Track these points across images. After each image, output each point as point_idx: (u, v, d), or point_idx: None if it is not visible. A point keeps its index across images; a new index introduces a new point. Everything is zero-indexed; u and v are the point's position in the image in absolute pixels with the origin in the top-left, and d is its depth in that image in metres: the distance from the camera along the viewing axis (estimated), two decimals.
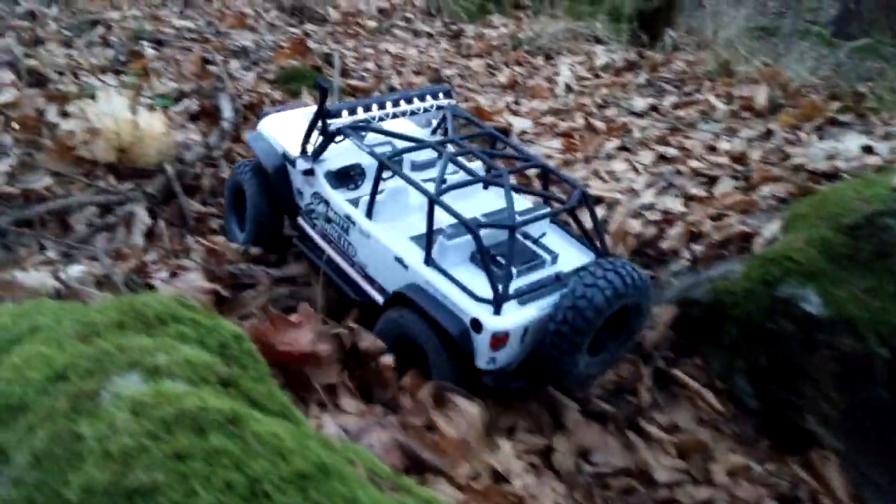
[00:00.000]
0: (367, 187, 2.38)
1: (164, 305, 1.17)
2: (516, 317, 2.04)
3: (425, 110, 2.77)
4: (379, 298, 2.32)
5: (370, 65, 4.95)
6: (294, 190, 2.62)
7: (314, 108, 2.47)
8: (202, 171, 3.16)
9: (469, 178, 2.27)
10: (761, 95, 4.44)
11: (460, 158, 2.35)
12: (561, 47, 5.77)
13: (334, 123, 2.46)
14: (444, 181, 2.16)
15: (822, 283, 2.46)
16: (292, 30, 5.31)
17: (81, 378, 0.93)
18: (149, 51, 4.40)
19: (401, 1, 6.66)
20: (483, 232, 2.08)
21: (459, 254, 2.18)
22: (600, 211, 3.21)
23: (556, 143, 3.93)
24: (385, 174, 2.33)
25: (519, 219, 2.10)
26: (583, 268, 2.11)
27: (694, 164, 3.50)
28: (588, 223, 2.36)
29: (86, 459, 0.82)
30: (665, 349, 2.71)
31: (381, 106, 2.63)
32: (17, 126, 3.22)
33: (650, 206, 3.18)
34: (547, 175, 2.55)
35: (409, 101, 2.72)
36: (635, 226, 3.02)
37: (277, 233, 2.73)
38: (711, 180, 3.33)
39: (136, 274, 2.25)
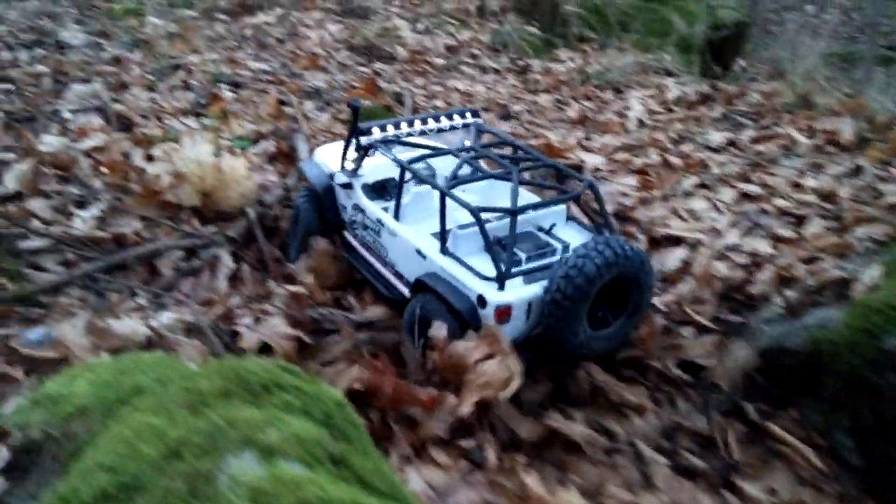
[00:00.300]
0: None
1: (268, 372, 1.16)
2: (519, 292, 2.23)
3: (452, 128, 3.04)
4: (407, 292, 2.55)
5: (439, 102, 4.98)
6: (339, 206, 2.94)
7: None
8: (281, 212, 3.20)
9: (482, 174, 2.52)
10: (846, 129, 4.27)
11: (481, 163, 2.62)
12: (630, 81, 5.70)
13: (366, 139, 2.77)
14: (455, 177, 2.43)
15: None
16: (362, 69, 5.40)
17: (196, 457, 0.92)
18: (227, 93, 4.53)
19: (467, 38, 6.71)
20: (496, 224, 2.38)
21: (472, 243, 2.39)
22: (683, 252, 3.12)
23: (631, 181, 3.85)
24: (410, 180, 2.62)
25: (525, 206, 2.35)
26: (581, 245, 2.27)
27: (779, 202, 3.37)
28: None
29: None
30: (758, 400, 2.59)
31: (410, 124, 2.94)
32: (106, 170, 3.34)
33: (735, 248, 3.07)
34: (560, 175, 2.81)
35: (437, 120, 3.01)
36: (721, 269, 2.91)
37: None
38: (800, 220, 3.19)
39: (222, 321, 2.28)
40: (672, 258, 3.10)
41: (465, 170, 2.51)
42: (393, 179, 2.80)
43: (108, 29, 5.96)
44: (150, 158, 3.44)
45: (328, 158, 3.03)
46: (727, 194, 3.57)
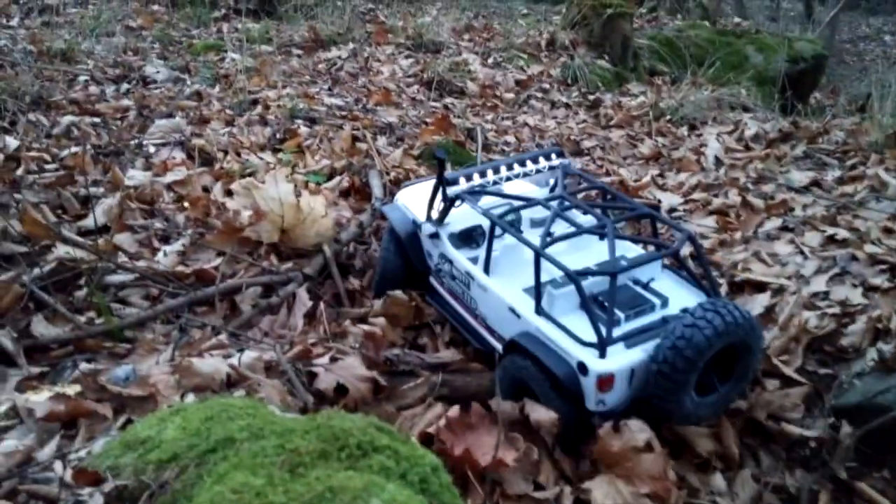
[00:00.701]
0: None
1: (363, 431, 1.15)
2: (621, 359, 2.11)
3: (538, 171, 2.96)
4: (499, 347, 2.50)
5: (510, 138, 4.98)
6: (425, 252, 2.92)
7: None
8: (355, 249, 3.23)
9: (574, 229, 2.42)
10: None
11: (571, 212, 2.55)
12: (705, 116, 5.58)
13: (453, 190, 2.72)
14: (549, 234, 2.32)
15: None
16: (433, 104, 5.45)
17: None
18: (302, 128, 4.63)
19: (537, 72, 6.72)
20: (591, 280, 2.26)
21: (568, 302, 2.30)
22: (766, 299, 3.00)
23: (710, 221, 3.75)
24: (499, 232, 2.55)
25: (625, 265, 2.24)
26: (685, 309, 2.16)
27: (870, 248, 3.21)
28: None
29: None
30: (848, 459, 2.45)
31: (496, 171, 2.88)
32: (188, 205, 3.44)
33: (824, 296, 2.93)
34: (655, 224, 2.62)
35: (523, 164, 2.94)
36: (810, 318, 2.78)
37: (399, 287, 2.92)
38: (893, 268, 3.03)
39: (299, 359, 2.29)
40: (755, 305, 2.98)
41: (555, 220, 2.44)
42: (480, 227, 2.78)
43: (190, 64, 6.20)
44: (229, 193, 3.53)
45: (411, 202, 3.02)
46: (813, 238, 3.43)
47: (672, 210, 3.89)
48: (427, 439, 2.04)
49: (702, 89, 6.19)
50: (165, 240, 3.13)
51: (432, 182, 2.96)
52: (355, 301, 2.95)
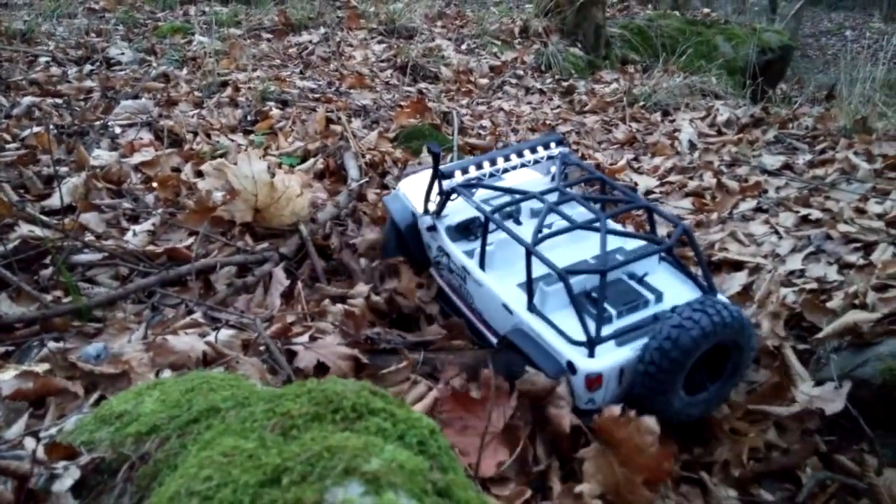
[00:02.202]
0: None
1: (357, 394, 1.10)
2: (610, 358, 2.05)
3: (536, 161, 2.88)
4: (494, 342, 2.44)
5: (485, 122, 4.95)
6: (424, 244, 2.84)
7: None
8: (331, 230, 3.17)
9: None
10: None
11: (570, 204, 2.49)
12: (678, 103, 5.61)
13: (448, 183, 2.65)
14: (540, 231, 2.24)
15: None
16: (407, 88, 5.39)
17: (298, 485, 0.86)
18: (274, 111, 4.54)
19: (510, 58, 6.69)
20: (582, 277, 2.21)
21: (561, 299, 2.22)
22: (743, 277, 3.02)
23: (686, 203, 3.76)
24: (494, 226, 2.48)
25: (621, 259, 2.20)
26: (674, 307, 2.10)
27: (843, 227, 3.25)
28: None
29: None
30: (823, 431, 2.47)
31: (493, 162, 2.79)
32: (157, 185, 3.34)
33: (800, 273, 2.96)
34: (652, 216, 2.54)
35: (521, 154, 2.85)
36: (787, 294, 2.80)
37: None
38: (867, 246, 3.07)
39: (278, 338, 2.23)
40: (733, 283, 3.00)
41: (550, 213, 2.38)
42: (478, 219, 2.68)
43: (156, 47, 6.05)
44: (199, 174, 3.44)
45: (412, 193, 2.92)
46: (787, 219, 3.46)
47: (648, 192, 3.90)
48: None
49: (674, 77, 6.22)
50: (134, 220, 3.04)
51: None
52: (332, 281, 2.89)
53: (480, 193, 2.67)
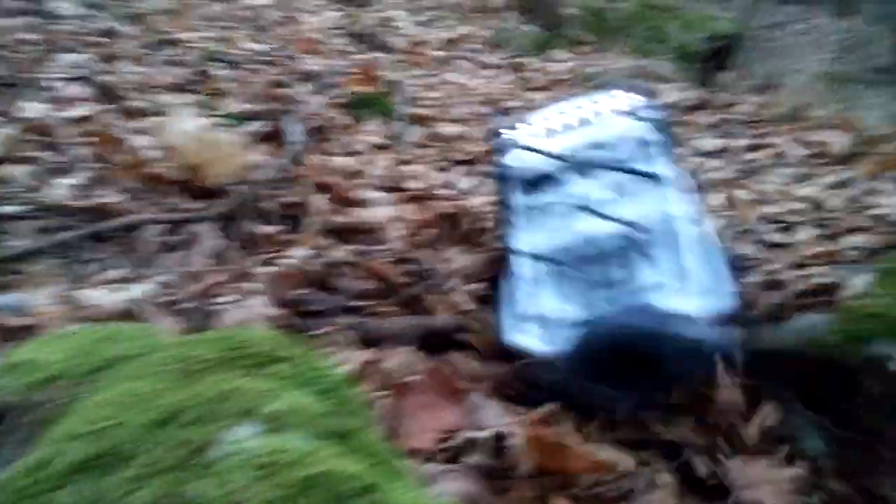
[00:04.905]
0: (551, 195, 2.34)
1: (267, 341, 1.11)
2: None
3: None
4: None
5: (435, 94, 4.94)
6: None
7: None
8: (271, 192, 3.14)
9: None
10: (838, 142, 4.30)
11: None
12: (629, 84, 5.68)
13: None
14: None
15: None
16: (360, 56, 5.34)
17: (191, 425, 0.86)
18: (220, 71, 4.45)
19: (466, 32, 6.67)
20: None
21: None
22: None
23: None
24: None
25: None
26: None
27: (771, 209, 3.36)
28: None
29: None
30: (736, 402, 2.57)
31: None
32: (90, 140, 3.25)
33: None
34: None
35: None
36: None
37: None
38: (791, 227, 3.19)
39: (203, 297, 2.22)
40: None
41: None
42: (549, 174, 2.40)
43: (104, 2, 5.84)
44: (138, 131, 3.36)
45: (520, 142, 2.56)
46: (718, 199, 3.57)
47: None
48: None
49: (625, 59, 6.30)
50: (65, 174, 2.96)
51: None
52: (267, 244, 2.86)
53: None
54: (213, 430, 0.88)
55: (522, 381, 1.98)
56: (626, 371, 1.86)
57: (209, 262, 2.57)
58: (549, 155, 2.34)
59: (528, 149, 2.42)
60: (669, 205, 2.13)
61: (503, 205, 2.50)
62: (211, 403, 0.93)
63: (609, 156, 2.35)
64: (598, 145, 2.36)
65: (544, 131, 2.47)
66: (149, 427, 0.90)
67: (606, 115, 2.48)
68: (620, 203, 2.18)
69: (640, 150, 2.30)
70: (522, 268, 2.18)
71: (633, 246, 2.07)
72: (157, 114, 3.67)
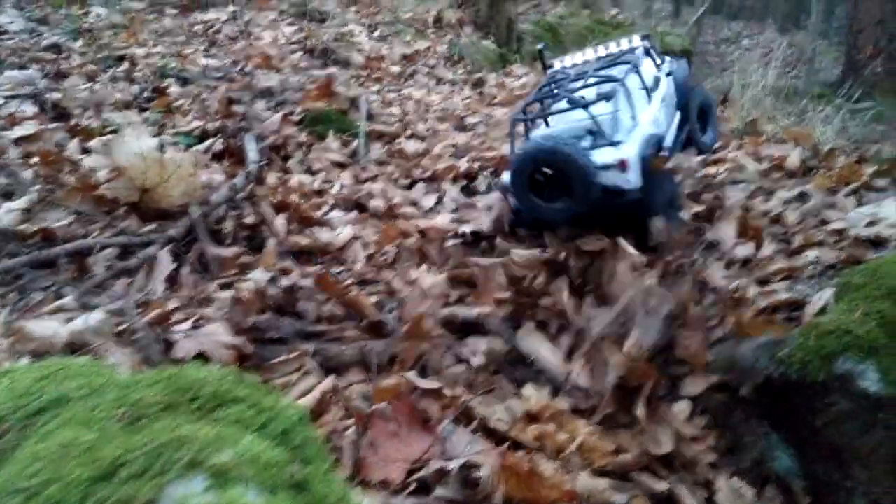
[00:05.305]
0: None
1: (219, 381, 1.04)
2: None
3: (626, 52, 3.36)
4: None
5: (395, 110, 4.89)
6: None
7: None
8: (226, 213, 3.05)
9: None
10: (793, 156, 4.37)
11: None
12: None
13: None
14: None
15: (882, 360, 2.32)
16: (317, 72, 5.27)
17: (135, 479, 0.80)
18: (174, 88, 4.34)
19: (423, 48, 6.65)
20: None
21: None
22: None
23: None
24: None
25: None
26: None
27: (733, 225, 3.38)
28: None
29: None
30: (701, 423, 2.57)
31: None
32: (37, 161, 3.12)
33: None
34: None
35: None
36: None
37: None
38: (753, 242, 3.20)
39: (157, 325, 2.12)
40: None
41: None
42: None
43: (50, 17, 5.68)
44: (86, 151, 3.24)
45: None
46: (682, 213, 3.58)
47: None
48: None
49: None
50: (8, 196, 2.82)
51: None
52: (223, 267, 2.77)
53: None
54: (158, 485, 0.82)
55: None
56: (548, 185, 2.76)
57: (163, 287, 2.47)
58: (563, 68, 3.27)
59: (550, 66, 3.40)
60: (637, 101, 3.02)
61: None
62: (157, 454, 0.86)
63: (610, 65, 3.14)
64: (609, 56, 3.31)
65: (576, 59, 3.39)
66: (89, 482, 0.83)
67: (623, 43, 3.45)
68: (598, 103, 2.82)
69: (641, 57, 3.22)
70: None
71: (596, 131, 2.82)
72: (107, 132, 3.56)
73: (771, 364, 2.48)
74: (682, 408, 2.52)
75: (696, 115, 3.53)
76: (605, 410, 2.30)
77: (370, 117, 4.55)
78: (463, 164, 4.10)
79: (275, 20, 6.57)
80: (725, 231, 3.28)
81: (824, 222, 3.42)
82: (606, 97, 2.85)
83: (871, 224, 3.24)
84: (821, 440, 2.42)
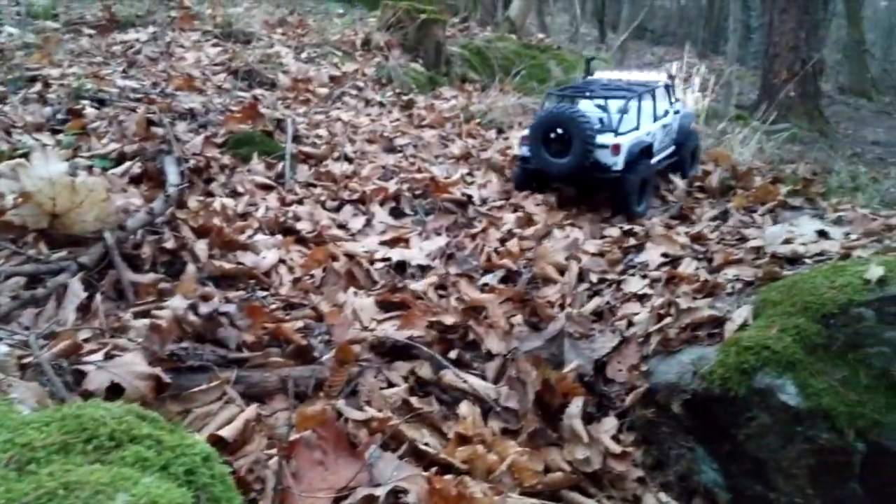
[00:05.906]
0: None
1: (119, 420, 0.98)
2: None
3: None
4: None
5: (322, 132, 4.84)
6: None
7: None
8: (143, 238, 2.93)
9: None
10: (714, 176, 4.53)
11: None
12: (512, 121, 5.81)
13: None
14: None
15: (800, 374, 2.41)
16: (241, 94, 5.17)
17: None
18: (89, 110, 4.18)
19: (351, 70, 6.63)
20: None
21: None
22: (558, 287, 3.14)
23: (513, 217, 3.88)
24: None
25: None
26: None
27: (652, 245, 3.46)
28: None
29: None
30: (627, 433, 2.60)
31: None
32: None
33: (616, 286, 3.12)
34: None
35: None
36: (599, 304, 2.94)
37: None
38: (674, 261, 3.29)
39: (66, 357, 2.01)
40: (550, 293, 3.12)
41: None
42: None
43: None
44: None
45: None
46: (610, 232, 3.67)
47: (484, 202, 4.01)
48: (219, 441, 1.86)
49: (508, 96, 6.45)
50: None
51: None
52: (140, 294, 2.65)
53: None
54: None
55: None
56: (555, 142, 3.96)
57: (74, 317, 2.35)
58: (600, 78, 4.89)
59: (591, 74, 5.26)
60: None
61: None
62: (47, 501, 0.79)
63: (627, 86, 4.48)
64: (629, 82, 4.65)
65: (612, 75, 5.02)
66: None
67: (651, 75, 5.01)
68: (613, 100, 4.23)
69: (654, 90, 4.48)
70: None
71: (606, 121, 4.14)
72: (15, 156, 3.38)
73: (695, 380, 2.55)
74: (610, 424, 2.55)
75: (689, 154, 4.77)
76: (529, 428, 2.30)
77: (297, 139, 4.49)
78: (392, 186, 4.09)
79: (198, 41, 6.43)
80: (650, 254, 3.36)
81: (743, 240, 3.55)
82: (623, 98, 4.08)
83: (786, 241, 3.37)
84: (744, 453, 2.49)
